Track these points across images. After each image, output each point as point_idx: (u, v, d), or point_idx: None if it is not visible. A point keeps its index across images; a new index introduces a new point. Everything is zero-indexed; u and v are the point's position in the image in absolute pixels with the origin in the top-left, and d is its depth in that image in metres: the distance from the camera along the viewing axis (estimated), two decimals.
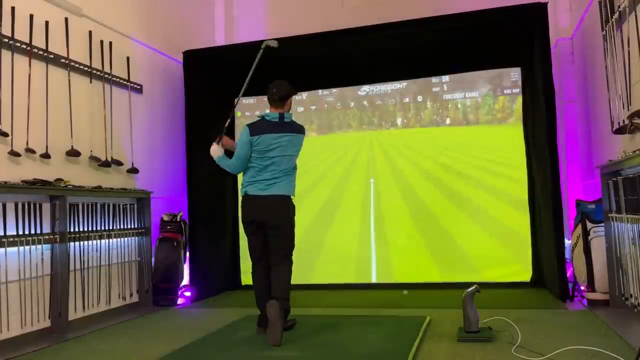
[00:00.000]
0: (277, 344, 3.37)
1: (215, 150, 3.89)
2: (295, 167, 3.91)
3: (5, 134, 3.80)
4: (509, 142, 5.62)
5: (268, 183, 3.76)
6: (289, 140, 3.80)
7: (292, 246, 3.83)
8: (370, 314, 4.37)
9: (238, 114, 6.40)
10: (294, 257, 3.83)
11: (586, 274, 4.45)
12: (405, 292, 5.32)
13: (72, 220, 4.35)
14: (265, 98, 6.90)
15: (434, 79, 5.94)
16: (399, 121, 6.04)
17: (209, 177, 5.81)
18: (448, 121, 5.89)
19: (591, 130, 5.24)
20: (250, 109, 6.42)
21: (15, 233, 3.81)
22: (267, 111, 3.90)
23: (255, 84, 6.36)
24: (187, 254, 5.56)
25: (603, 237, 4.31)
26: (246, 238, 3.87)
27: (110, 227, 4.80)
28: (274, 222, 3.73)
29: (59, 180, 4.19)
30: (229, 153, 3.95)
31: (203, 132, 5.78)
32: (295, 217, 3.88)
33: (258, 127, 3.80)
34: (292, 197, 3.84)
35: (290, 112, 3.92)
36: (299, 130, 3.89)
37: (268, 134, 3.76)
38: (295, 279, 5.83)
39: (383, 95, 6.10)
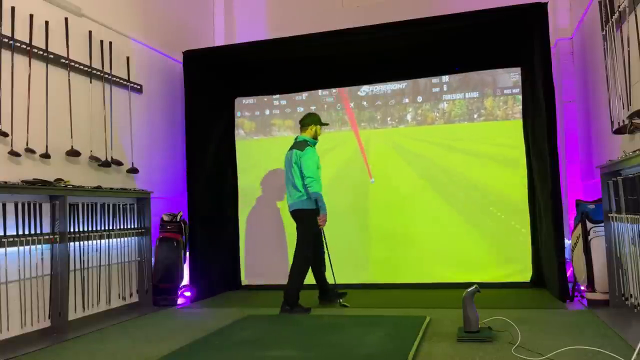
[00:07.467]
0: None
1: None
2: (306, 182, 4.61)
3: (5, 134, 3.80)
4: (509, 142, 5.63)
5: (288, 195, 4.82)
6: (291, 155, 4.75)
7: (303, 247, 4.71)
8: (370, 314, 4.37)
9: (238, 113, 6.39)
10: None
11: (586, 274, 4.44)
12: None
13: (72, 220, 4.35)
14: (264, 98, 6.91)
15: (434, 79, 5.94)
16: (398, 121, 6.03)
17: (209, 177, 5.81)
18: (447, 122, 5.89)
19: (591, 130, 5.24)
20: (250, 109, 6.41)
21: (15, 233, 3.81)
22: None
23: (256, 85, 6.40)
24: (187, 254, 5.56)
25: (603, 237, 4.30)
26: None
27: (110, 227, 4.80)
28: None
29: (59, 180, 4.20)
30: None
31: (203, 132, 5.78)
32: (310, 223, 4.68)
33: None
34: (306, 209, 4.66)
35: (311, 137, 4.84)
36: (299, 147, 4.71)
37: (288, 151, 4.86)
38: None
39: (383, 96, 6.09)
